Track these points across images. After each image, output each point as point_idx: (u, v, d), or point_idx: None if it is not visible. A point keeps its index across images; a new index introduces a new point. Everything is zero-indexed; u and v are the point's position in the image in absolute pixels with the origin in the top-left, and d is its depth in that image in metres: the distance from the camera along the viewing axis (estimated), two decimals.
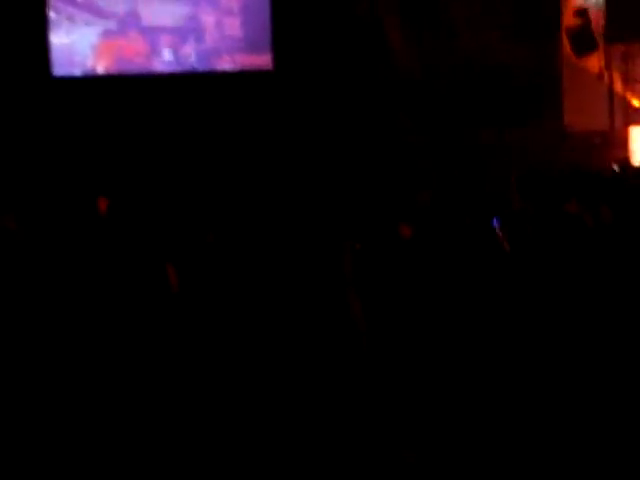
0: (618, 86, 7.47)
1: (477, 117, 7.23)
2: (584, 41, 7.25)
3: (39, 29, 7.25)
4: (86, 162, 7.07)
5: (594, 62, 7.43)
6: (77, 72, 7.35)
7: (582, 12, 7.27)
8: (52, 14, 7.27)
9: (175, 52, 7.40)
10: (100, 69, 7.38)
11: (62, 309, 3.53)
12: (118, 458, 3.04)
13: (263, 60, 7.47)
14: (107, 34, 7.36)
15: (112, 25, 7.36)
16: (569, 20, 7.41)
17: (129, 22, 7.35)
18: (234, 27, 7.45)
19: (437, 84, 7.45)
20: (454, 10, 7.38)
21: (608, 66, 7.41)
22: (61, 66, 7.31)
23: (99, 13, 7.33)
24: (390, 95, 7.50)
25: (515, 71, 7.25)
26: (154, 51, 7.40)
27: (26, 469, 2.97)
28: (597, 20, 7.32)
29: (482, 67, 7.33)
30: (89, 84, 7.35)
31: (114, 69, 7.40)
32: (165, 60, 7.42)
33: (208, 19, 7.41)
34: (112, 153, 7.17)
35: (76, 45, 7.32)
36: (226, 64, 7.47)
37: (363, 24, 7.35)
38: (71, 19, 7.31)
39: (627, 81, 7.48)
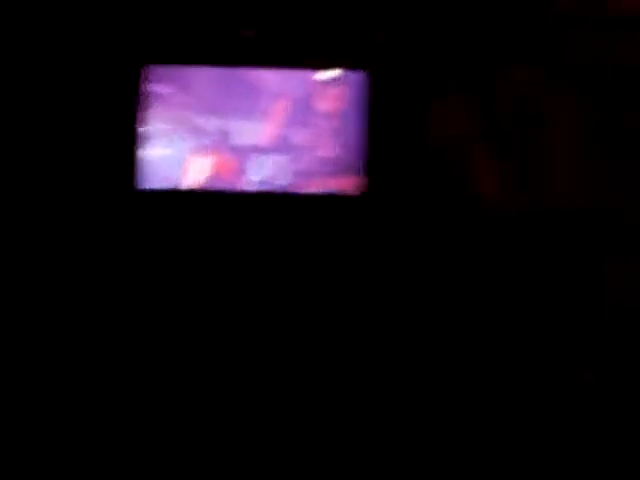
0: None
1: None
2: None
3: (129, 143, 7.27)
4: (169, 274, 7.05)
5: None
6: (165, 186, 7.30)
7: None
8: (146, 129, 7.28)
9: (264, 172, 7.33)
10: (188, 184, 7.33)
11: None
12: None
13: (352, 183, 7.35)
14: (197, 150, 7.33)
15: (203, 141, 7.33)
16: None
17: (221, 140, 7.32)
18: (325, 149, 7.37)
19: (518, 212, 7.20)
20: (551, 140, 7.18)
21: None
22: (150, 180, 7.28)
23: (190, 129, 7.32)
24: (476, 229, 7.27)
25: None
26: (243, 169, 7.34)
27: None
28: None
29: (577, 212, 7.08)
30: (176, 198, 7.30)
31: (203, 185, 7.34)
32: (254, 179, 7.34)
33: (299, 140, 7.35)
34: (196, 267, 7.12)
35: (165, 160, 7.30)
36: (315, 186, 7.36)
37: (451, 156, 7.20)
38: (162, 134, 7.31)
39: None
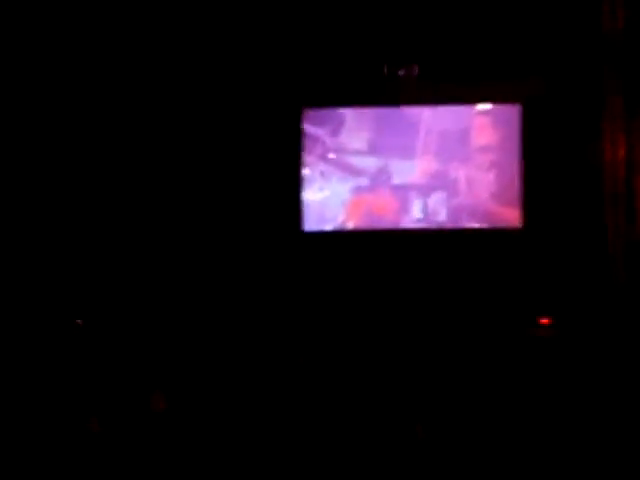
0: None
1: None
2: None
3: (293, 186, 7.47)
4: (335, 310, 7.22)
5: None
6: (328, 227, 7.48)
7: None
8: (306, 171, 7.48)
9: (424, 209, 7.41)
10: (350, 224, 7.49)
11: None
12: None
13: (512, 217, 7.36)
14: (358, 190, 7.48)
15: (364, 182, 7.48)
16: None
17: (380, 179, 7.45)
18: (484, 183, 7.39)
19: None
20: None
21: None
22: (313, 221, 7.48)
23: (351, 170, 7.48)
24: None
25: None
26: (404, 208, 7.44)
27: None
28: None
29: None
30: (340, 239, 7.47)
31: (364, 225, 7.49)
32: (414, 217, 7.43)
33: (458, 176, 7.39)
34: (359, 304, 7.27)
35: (328, 201, 7.48)
36: (475, 221, 7.40)
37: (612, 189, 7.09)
38: (324, 176, 7.49)
39: None
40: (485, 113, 7.42)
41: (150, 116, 7.39)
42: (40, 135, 7.32)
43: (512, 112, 7.35)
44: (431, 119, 7.43)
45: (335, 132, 7.49)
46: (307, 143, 7.49)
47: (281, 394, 5.81)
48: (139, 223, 7.41)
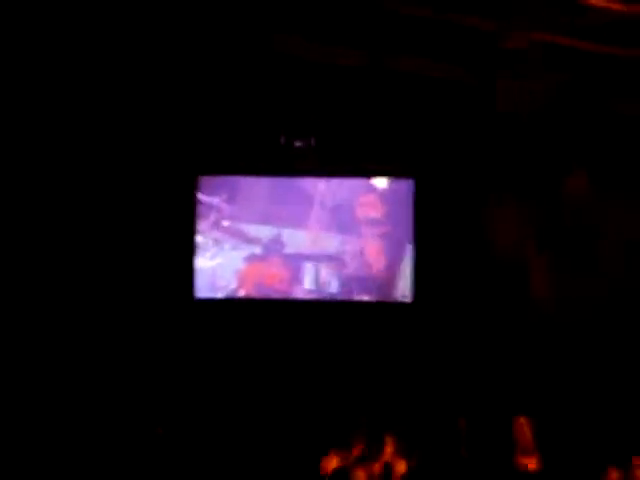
0: None
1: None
2: None
3: (186, 253, 7.44)
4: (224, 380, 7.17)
5: None
6: (219, 295, 7.46)
7: None
8: (199, 238, 7.47)
9: (316, 280, 7.46)
10: (242, 292, 7.49)
11: None
12: None
13: (401, 292, 7.47)
14: (251, 259, 7.50)
15: (257, 250, 7.50)
16: None
17: (273, 248, 7.48)
18: (375, 255, 7.48)
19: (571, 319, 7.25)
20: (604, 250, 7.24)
21: None
22: (205, 289, 7.45)
23: (245, 238, 7.50)
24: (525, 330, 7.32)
25: None
26: (296, 277, 7.48)
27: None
28: None
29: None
30: (231, 307, 7.45)
31: (255, 293, 7.49)
32: (305, 287, 7.47)
33: (351, 248, 7.48)
34: (249, 375, 7.24)
35: (220, 269, 7.47)
36: (365, 294, 7.48)
37: (506, 265, 7.28)
38: (217, 243, 7.49)
39: None
40: (379, 186, 7.55)
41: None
42: None
43: (405, 186, 7.51)
44: (325, 191, 7.53)
45: (230, 200, 7.52)
46: (201, 210, 7.48)
47: None
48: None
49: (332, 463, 4.71)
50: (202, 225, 7.48)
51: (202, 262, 7.47)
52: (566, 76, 6.97)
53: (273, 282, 7.50)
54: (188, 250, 7.46)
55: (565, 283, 7.17)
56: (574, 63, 6.76)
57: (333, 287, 7.48)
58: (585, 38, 6.21)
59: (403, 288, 7.48)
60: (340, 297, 7.47)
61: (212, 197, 7.50)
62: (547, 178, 7.29)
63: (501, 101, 7.11)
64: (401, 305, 7.47)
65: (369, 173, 7.57)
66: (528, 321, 7.28)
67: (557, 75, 6.93)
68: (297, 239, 7.50)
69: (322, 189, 7.53)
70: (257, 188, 7.55)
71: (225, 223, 7.51)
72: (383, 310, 7.47)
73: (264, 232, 7.50)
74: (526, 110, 7.06)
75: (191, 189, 7.46)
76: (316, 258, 7.49)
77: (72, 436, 6.31)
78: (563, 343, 7.19)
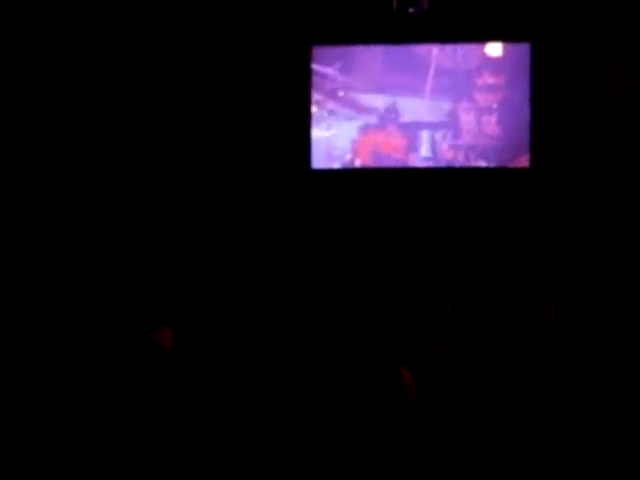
0: None
1: None
2: None
3: (302, 124, 7.47)
4: (344, 250, 7.26)
5: None
6: (336, 165, 7.49)
7: None
8: (315, 109, 7.47)
9: (432, 148, 7.40)
10: (358, 163, 7.50)
11: None
12: None
13: (520, 159, 7.34)
14: (367, 128, 7.47)
15: (372, 120, 7.46)
16: None
17: (389, 117, 7.43)
18: (491, 125, 7.36)
19: None
20: None
21: None
22: (320, 159, 7.49)
23: (360, 108, 7.46)
24: None
25: None
26: (412, 146, 7.44)
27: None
28: None
29: None
30: (347, 177, 7.48)
31: (371, 163, 7.49)
32: (422, 156, 7.43)
33: (467, 116, 7.36)
34: (365, 247, 7.31)
35: (336, 139, 7.48)
36: (482, 161, 7.39)
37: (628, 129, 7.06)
38: (333, 114, 7.48)
39: None
40: (494, 52, 7.36)
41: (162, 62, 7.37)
42: None
43: (522, 51, 7.30)
44: (440, 57, 7.38)
45: (344, 69, 7.46)
46: (316, 81, 7.46)
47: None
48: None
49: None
50: (317, 96, 7.47)
51: (318, 133, 7.49)
52: None
53: (389, 151, 7.48)
54: (303, 121, 7.48)
55: None
56: None
57: (449, 154, 7.42)
58: None
59: (521, 154, 7.35)
60: (457, 164, 7.41)
61: (326, 67, 7.46)
62: None
63: None
64: (519, 171, 7.36)
65: (484, 37, 7.38)
66: None
67: None
68: (412, 107, 7.41)
69: (437, 55, 7.38)
70: (371, 56, 7.46)
71: (340, 93, 7.48)
72: (501, 176, 7.38)
73: (379, 101, 7.44)
74: None
75: (305, 59, 7.44)
76: (432, 126, 7.41)
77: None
78: None
